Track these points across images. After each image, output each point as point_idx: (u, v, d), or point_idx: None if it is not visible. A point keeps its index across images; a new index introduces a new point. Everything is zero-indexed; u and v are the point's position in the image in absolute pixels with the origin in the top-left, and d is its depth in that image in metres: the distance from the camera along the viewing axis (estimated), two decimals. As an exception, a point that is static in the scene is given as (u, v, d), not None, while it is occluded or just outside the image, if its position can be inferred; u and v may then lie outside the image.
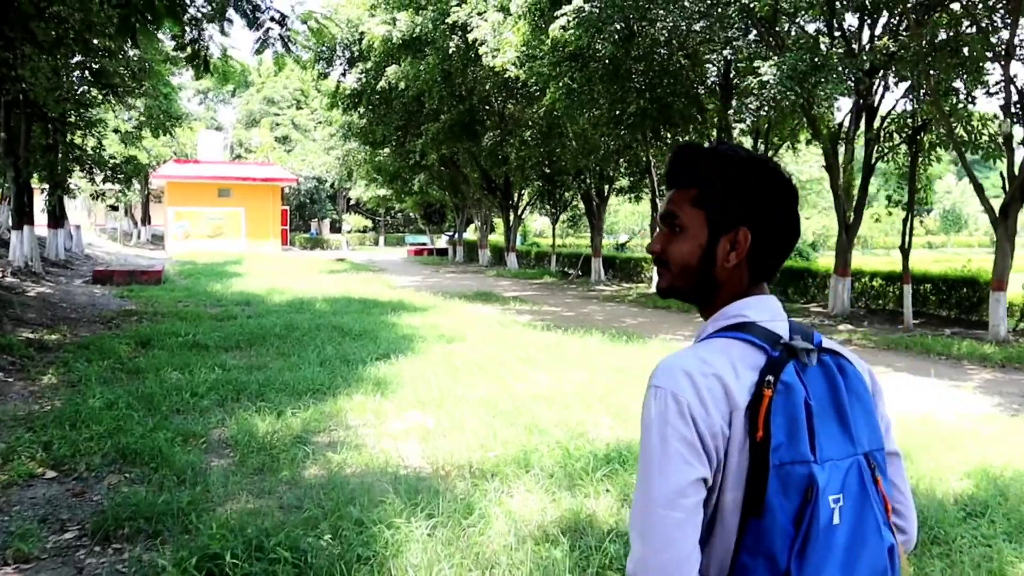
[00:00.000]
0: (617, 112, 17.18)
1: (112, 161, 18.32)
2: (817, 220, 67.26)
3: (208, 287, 19.91)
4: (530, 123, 26.00)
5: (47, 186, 18.88)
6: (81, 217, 43.43)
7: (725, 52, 16.05)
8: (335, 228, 61.24)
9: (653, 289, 22.98)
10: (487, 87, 24.04)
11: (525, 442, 6.37)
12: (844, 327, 15.99)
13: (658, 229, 1.54)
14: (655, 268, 1.55)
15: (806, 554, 1.27)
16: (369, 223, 62.54)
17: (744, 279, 1.46)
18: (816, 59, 11.68)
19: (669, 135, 19.32)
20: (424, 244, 54.29)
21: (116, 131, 23.59)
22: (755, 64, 12.62)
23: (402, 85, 24.82)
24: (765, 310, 1.44)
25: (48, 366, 9.51)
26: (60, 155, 17.48)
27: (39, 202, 22.72)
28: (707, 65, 18.73)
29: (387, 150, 35.71)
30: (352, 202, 60.65)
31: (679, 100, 17.26)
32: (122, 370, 9.15)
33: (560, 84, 15.70)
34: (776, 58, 12.29)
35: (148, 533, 4.59)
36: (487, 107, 27.11)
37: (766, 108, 14.30)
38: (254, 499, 5.19)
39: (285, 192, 48.37)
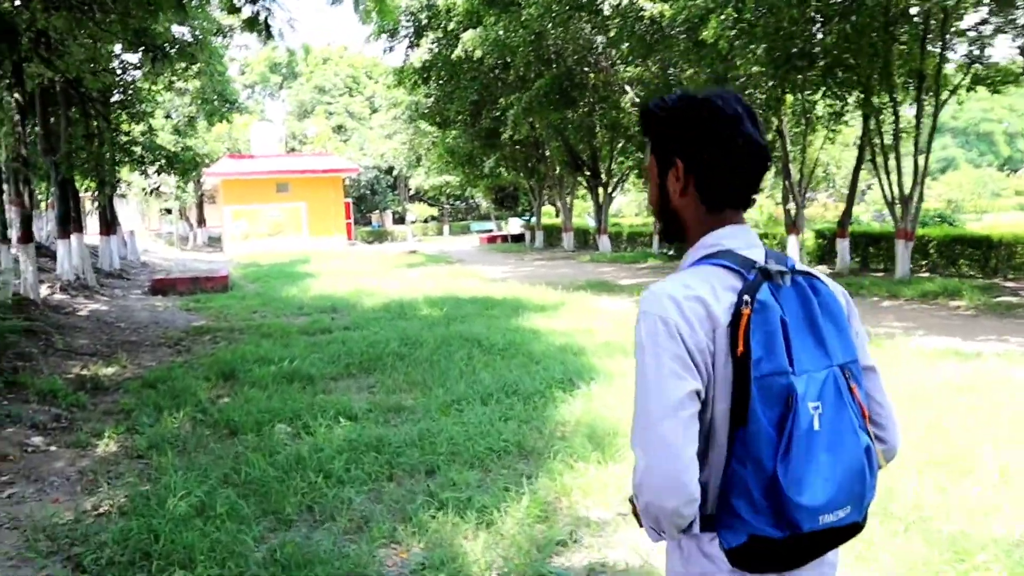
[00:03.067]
0: (795, 49, 13.85)
1: (166, 151, 15.69)
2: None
3: (282, 292, 17.25)
4: (627, 88, 22.86)
5: (94, 188, 16.30)
6: (135, 222, 41.33)
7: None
8: (398, 219, 58.55)
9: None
10: (584, 44, 20.95)
11: (925, 556, 3.55)
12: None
13: None
14: None
15: (790, 457, 1.39)
16: (434, 212, 59.59)
17: (698, 206, 1.59)
18: None
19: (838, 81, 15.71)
20: (491, 231, 51.27)
21: (168, 116, 20.98)
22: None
23: (479, 53, 21.82)
24: (740, 238, 1.56)
25: (105, 418, 6.85)
26: (105, 144, 14.88)
27: (88, 208, 20.38)
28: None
29: (454, 131, 32.78)
30: (412, 191, 57.92)
31: (871, 34, 13.70)
32: (206, 424, 6.42)
33: (722, 17, 12.56)
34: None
35: None
36: (585, 69, 23.89)
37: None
38: None
39: (346, 184, 45.63)
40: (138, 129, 15.97)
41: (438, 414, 6.35)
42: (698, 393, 1.41)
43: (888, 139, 16.93)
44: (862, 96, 15.68)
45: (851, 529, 1.50)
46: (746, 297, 1.42)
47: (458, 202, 61.03)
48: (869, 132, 17.09)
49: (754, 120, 1.56)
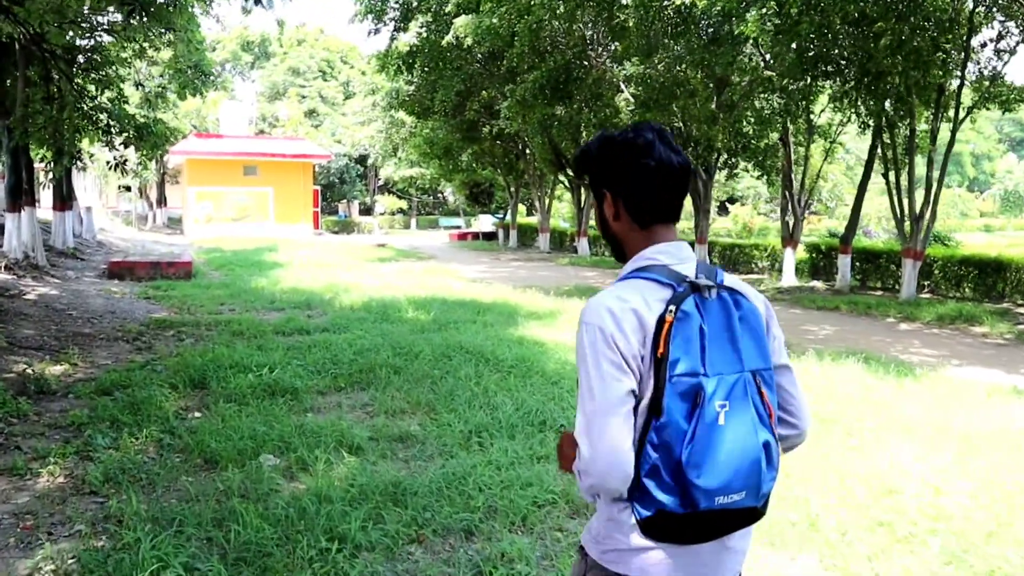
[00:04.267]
0: (835, 51, 12.83)
1: (135, 122, 14.24)
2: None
3: (251, 282, 16.01)
4: (622, 87, 21.89)
5: (50, 159, 14.87)
6: (92, 198, 39.40)
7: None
8: (364, 210, 56.95)
9: (786, 283, 19.23)
10: (582, 38, 19.80)
11: None
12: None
13: None
14: None
15: (693, 445, 1.58)
16: (403, 205, 58.05)
17: (633, 226, 1.79)
18: None
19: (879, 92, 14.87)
20: (459, 227, 50.04)
21: (139, 85, 19.46)
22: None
23: (469, 41, 20.68)
24: (674, 254, 1.75)
25: (50, 434, 5.72)
26: (66, 109, 13.48)
27: (42, 180, 18.89)
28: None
29: (432, 122, 31.50)
30: (381, 182, 56.38)
31: (917, 40, 12.70)
32: (175, 449, 5.31)
33: (764, 10, 11.56)
34: None
35: None
36: (585, 64, 22.75)
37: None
38: None
39: (315, 171, 44.04)
40: (106, 96, 14.55)
41: (457, 448, 5.32)
42: (633, 392, 1.61)
43: (901, 153, 16.19)
44: (886, 106, 14.84)
45: (749, 514, 1.69)
46: (671, 307, 1.62)
47: (427, 196, 59.69)
48: (883, 145, 16.31)
49: (667, 142, 1.75)
